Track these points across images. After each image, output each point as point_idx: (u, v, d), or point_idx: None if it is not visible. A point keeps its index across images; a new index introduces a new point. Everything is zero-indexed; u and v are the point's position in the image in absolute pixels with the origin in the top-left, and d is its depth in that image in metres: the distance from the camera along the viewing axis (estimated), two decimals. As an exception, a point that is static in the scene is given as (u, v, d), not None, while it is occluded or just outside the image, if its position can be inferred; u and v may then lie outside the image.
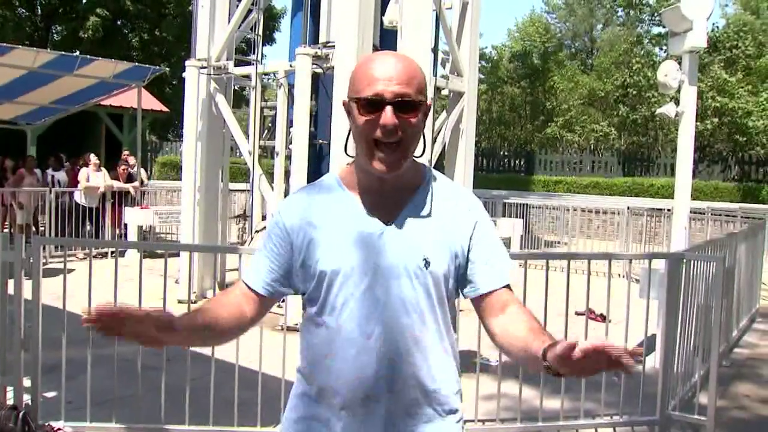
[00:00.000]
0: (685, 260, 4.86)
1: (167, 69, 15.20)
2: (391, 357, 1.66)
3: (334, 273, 1.68)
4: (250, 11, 8.94)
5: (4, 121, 15.55)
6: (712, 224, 12.80)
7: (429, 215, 1.71)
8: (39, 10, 29.31)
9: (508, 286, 1.75)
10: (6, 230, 12.48)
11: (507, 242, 11.43)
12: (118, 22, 29.19)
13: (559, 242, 13.10)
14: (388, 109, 1.60)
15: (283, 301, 7.20)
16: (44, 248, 7.60)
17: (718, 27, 26.93)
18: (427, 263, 1.66)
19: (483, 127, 29.59)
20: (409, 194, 1.73)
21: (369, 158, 1.65)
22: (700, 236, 11.67)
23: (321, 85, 7.87)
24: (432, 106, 1.74)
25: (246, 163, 8.48)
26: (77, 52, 12.68)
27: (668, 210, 11.24)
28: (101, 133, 21.54)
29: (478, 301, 1.75)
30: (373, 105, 1.61)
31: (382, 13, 7.57)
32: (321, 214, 1.73)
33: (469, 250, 1.72)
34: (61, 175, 13.59)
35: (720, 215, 13.08)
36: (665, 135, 26.69)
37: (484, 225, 1.76)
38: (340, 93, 7.06)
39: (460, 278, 1.74)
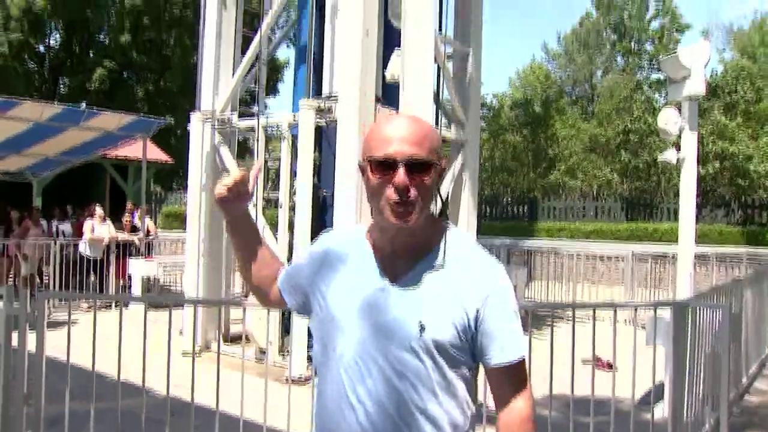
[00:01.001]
0: (690, 308, 4.84)
1: (172, 121, 15.38)
2: (380, 418, 1.65)
3: (333, 321, 1.72)
4: (254, 63, 9.08)
5: (10, 172, 15.70)
6: (717, 269, 12.76)
7: (437, 279, 1.69)
8: (47, 63, 29.79)
9: (519, 364, 1.71)
10: (10, 281, 12.51)
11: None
12: (124, 74, 29.62)
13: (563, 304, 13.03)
14: (401, 169, 1.62)
15: (288, 352, 7.17)
16: (48, 300, 7.60)
17: (716, 72, 27.24)
18: (422, 328, 1.64)
19: (485, 174, 29.70)
20: (422, 255, 1.72)
21: (383, 214, 1.67)
22: (705, 281, 11.63)
23: (324, 136, 7.94)
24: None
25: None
26: (84, 104, 12.84)
27: (673, 255, 11.22)
28: (106, 184, 21.72)
29: (486, 373, 1.74)
30: (385, 166, 1.64)
31: (384, 67, 7.67)
32: (341, 260, 1.79)
33: (477, 321, 1.67)
34: (66, 227, 13.68)
35: (725, 260, 13.05)
36: (668, 180, 26.76)
37: (498, 295, 1.70)
38: (343, 144, 7.12)
39: (473, 348, 1.70)
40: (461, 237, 1.79)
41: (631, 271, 12.45)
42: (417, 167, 1.64)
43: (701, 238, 17.42)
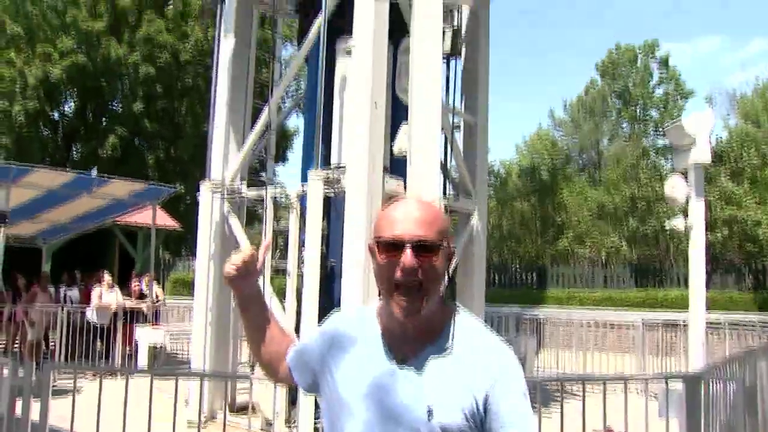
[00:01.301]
0: (703, 381, 4.76)
1: (182, 188, 15.54)
2: None
3: (341, 402, 1.73)
4: (264, 132, 9.23)
5: (21, 238, 15.81)
6: (729, 336, 12.62)
7: (446, 363, 1.69)
8: (61, 130, 30.30)
9: None
10: (16, 346, 12.47)
11: (522, 360, 11.25)
12: (136, 141, 30.06)
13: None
14: (408, 250, 1.63)
15: (295, 423, 7.07)
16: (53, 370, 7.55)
17: (721, 138, 27.41)
18: (430, 413, 1.63)
19: (493, 242, 29.70)
20: (431, 338, 1.72)
21: (389, 301, 1.68)
22: (718, 349, 11.48)
23: (332, 206, 7.99)
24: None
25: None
26: (94, 171, 13.03)
27: (684, 322, 11.11)
28: (115, 250, 21.80)
29: None
30: (393, 246, 1.65)
31: (392, 139, 7.78)
32: (350, 341, 1.79)
33: (486, 405, 1.66)
34: (74, 293, 13.68)
35: (738, 327, 12.92)
36: (676, 246, 26.68)
37: (507, 379, 1.68)
38: (351, 215, 7.16)
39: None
40: (470, 320, 1.79)
41: (642, 339, 12.32)
42: (424, 249, 1.65)
43: (712, 305, 17.29)
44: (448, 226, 1.75)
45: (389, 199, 1.84)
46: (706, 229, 9.67)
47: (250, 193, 8.90)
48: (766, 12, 52.31)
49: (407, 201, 1.75)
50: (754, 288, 23.31)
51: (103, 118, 29.99)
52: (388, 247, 1.66)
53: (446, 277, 1.75)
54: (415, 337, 1.72)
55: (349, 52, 7.79)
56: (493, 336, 1.77)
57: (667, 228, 9.03)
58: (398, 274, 1.64)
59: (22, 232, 15.61)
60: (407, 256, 1.63)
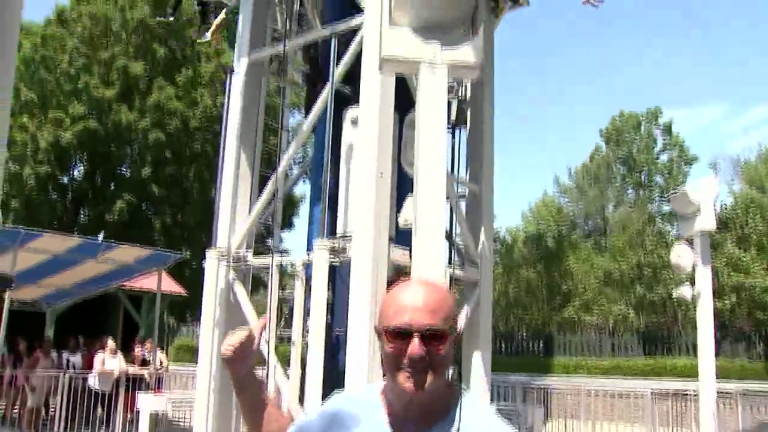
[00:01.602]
0: (714, 457, 4.67)
1: (188, 254, 15.52)
2: None
3: None
4: (270, 200, 9.29)
5: (25, 302, 15.78)
6: (741, 406, 12.40)
7: None
8: (70, 194, 30.53)
9: None
10: (15, 412, 12.32)
11: (529, 431, 11.04)
12: (143, 206, 30.22)
13: None
14: (416, 339, 1.63)
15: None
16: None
17: (726, 205, 27.40)
18: None
19: (500, 309, 29.46)
20: (435, 420, 1.71)
21: (396, 380, 1.66)
22: (730, 419, 11.28)
23: (338, 275, 7.98)
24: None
25: (262, 352, 8.44)
26: (101, 236, 13.10)
27: (693, 392, 10.94)
28: (119, 315, 21.69)
29: None
30: (401, 335, 1.65)
31: (398, 210, 7.82)
32: (353, 421, 1.77)
33: None
34: (77, 359, 13.57)
35: (749, 396, 12.70)
36: (684, 313, 26.40)
37: None
38: (356, 284, 7.15)
39: None
40: (476, 403, 1.78)
41: (651, 409, 12.11)
42: (433, 337, 1.65)
43: (722, 374, 17.03)
44: (455, 309, 1.75)
45: (396, 277, 1.84)
46: (714, 297, 9.60)
47: (256, 261, 8.92)
48: (767, 79, 53.09)
49: (414, 285, 1.75)
50: (765, 356, 22.99)
51: (112, 183, 30.25)
52: (395, 336, 1.66)
53: (453, 359, 1.74)
54: (419, 419, 1.70)
55: (355, 122, 7.91)
56: (499, 420, 1.76)
57: (675, 296, 8.96)
58: (405, 361, 1.64)
59: (26, 297, 15.59)
60: (415, 346, 1.63)
